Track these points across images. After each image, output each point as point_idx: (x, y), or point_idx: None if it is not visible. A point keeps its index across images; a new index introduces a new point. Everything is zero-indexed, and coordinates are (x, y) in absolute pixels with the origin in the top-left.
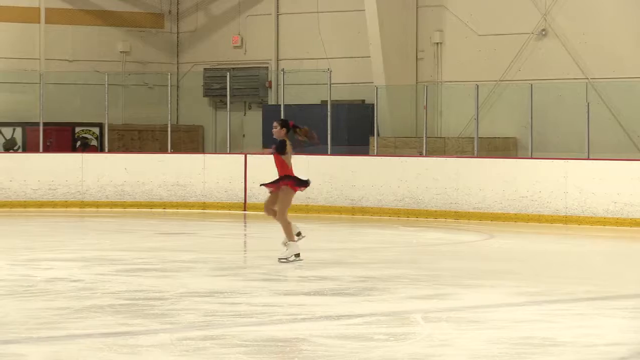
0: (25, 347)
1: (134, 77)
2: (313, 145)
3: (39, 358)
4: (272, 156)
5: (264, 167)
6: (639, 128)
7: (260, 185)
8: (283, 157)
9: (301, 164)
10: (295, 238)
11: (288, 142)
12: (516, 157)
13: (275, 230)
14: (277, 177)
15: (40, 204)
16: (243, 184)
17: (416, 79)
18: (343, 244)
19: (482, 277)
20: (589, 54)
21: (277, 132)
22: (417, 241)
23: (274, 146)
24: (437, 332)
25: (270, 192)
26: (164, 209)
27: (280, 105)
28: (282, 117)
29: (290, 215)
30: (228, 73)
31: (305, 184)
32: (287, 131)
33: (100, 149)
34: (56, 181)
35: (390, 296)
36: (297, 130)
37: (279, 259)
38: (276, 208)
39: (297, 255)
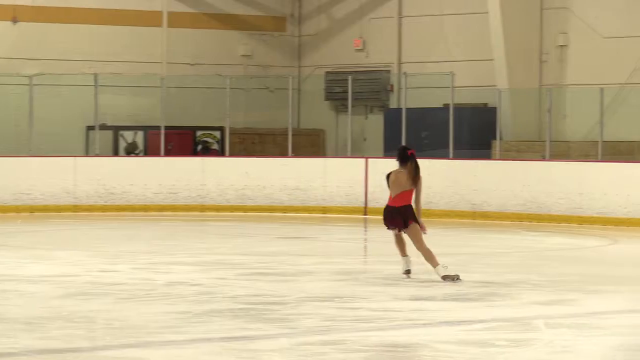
0: (146, 351)
1: (255, 81)
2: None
3: None
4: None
5: (386, 171)
6: None
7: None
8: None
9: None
10: (440, 262)
11: (393, 173)
12: None
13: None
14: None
15: (161, 208)
16: (364, 188)
17: (539, 82)
18: (464, 249)
19: (605, 282)
20: None
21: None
22: (540, 246)
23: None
24: (559, 338)
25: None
26: (285, 213)
27: (402, 108)
28: (404, 121)
29: None
30: (349, 76)
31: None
32: (403, 162)
33: (221, 152)
34: (177, 185)
35: (512, 302)
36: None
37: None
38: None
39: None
